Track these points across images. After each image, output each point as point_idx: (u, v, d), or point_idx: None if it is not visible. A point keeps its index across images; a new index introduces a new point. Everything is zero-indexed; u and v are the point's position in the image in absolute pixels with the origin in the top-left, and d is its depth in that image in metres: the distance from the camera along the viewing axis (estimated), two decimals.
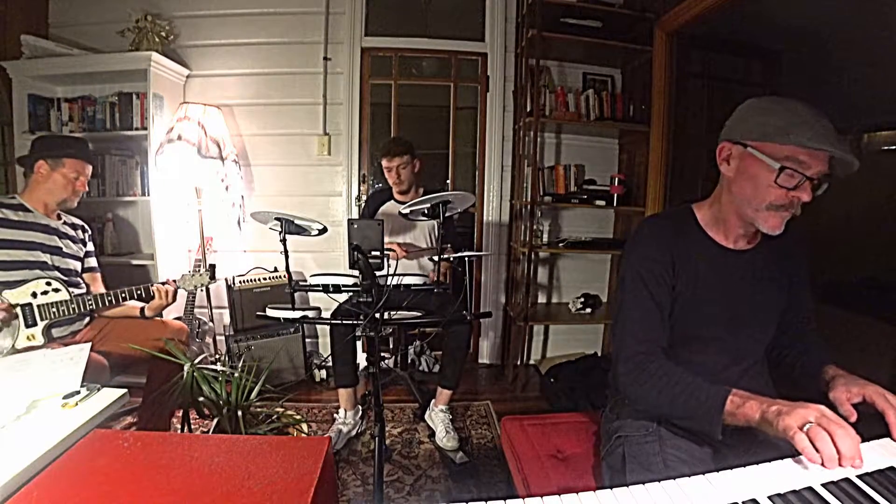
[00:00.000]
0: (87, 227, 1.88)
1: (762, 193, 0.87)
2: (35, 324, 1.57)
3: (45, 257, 1.64)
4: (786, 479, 0.65)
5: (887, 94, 2.66)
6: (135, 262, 2.52)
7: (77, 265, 1.77)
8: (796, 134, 0.81)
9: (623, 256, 1.06)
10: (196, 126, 2.42)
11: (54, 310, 1.59)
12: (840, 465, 0.64)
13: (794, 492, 0.62)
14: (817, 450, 0.64)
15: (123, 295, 1.71)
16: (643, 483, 0.65)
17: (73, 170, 1.70)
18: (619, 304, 1.02)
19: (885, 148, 2.91)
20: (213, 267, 1.92)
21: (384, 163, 2.21)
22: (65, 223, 1.77)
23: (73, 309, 1.63)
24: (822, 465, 0.64)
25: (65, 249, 1.72)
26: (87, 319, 1.78)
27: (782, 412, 0.70)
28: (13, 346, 1.53)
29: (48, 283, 1.60)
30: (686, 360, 0.96)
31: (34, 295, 1.57)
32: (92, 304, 1.67)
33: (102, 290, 1.87)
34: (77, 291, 1.70)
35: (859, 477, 0.64)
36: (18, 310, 1.54)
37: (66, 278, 1.67)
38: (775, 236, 1.02)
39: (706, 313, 0.98)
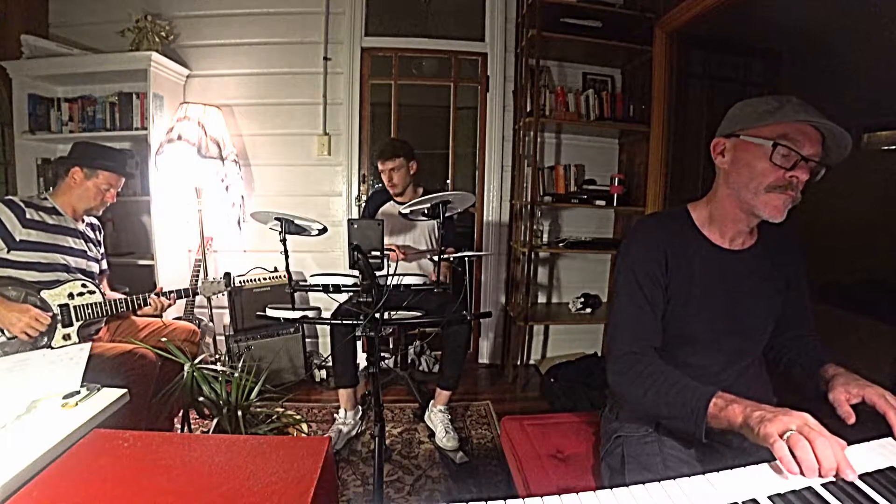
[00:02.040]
0: (100, 226, 1.92)
1: (759, 176, 0.89)
2: (71, 323, 1.62)
3: (73, 261, 1.69)
4: (786, 479, 0.65)
5: (887, 94, 2.66)
6: (135, 262, 2.52)
7: (97, 267, 1.82)
8: (784, 112, 0.85)
9: (618, 257, 1.06)
10: (196, 126, 2.42)
11: (89, 311, 1.65)
12: (820, 475, 0.62)
13: (793, 492, 0.62)
14: (797, 458, 0.63)
15: (138, 301, 1.78)
16: (643, 483, 0.65)
17: (106, 182, 1.74)
18: (613, 303, 1.02)
19: (885, 148, 2.90)
20: (227, 275, 1.97)
21: (378, 165, 2.24)
22: (87, 225, 1.82)
23: (107, 311, 1.69)
24: (802, 474, 0.63)
25: (89, 253, 1.77)
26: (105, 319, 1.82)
27: (765, 419, 0.69)
28: (50, 344, 1.57)
29: (83, 286, 1.66)
30: (682, 361, 0.96)
31: (71, 296, 1.62)
32: (123, 307, 1.73)
33: (108, 290, 1.91)
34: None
35: (859, 477, 0.64)
36: (57, 309, 1.59)
37: (91, 280, 1.71)
38: (771, 236, 1.02)
39: (702, 313, 0.98)
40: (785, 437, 0.65)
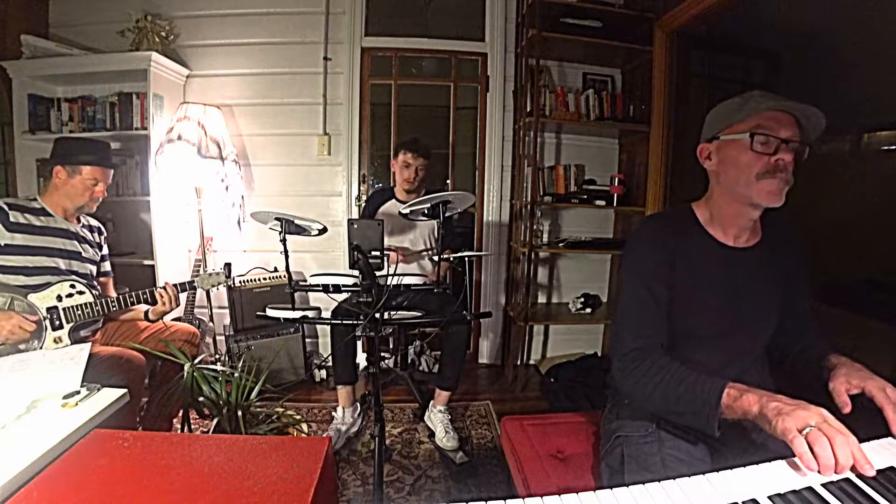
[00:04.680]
0: (102, 228, 1.88)
1: (746, 168, 0.91)
2: (62, 326, 1.58)
3: (65, 263, 1.64)
4: (786, 479, 0.65)
5: (887, 95, 2.66)
6: (135, 262, 2.52)
7: (94, 269, 1.77)
8: (750, 105, 0.91)
9: (623, 255, 1.06)
10: (196, 126, 2.42)
11: (79, 312, 1.60)
12: (836, 472, 0.63)
13: (794, 492, 0.62)
14: (815, 455, 0.63)
15: (145, 296, 1.73)
16: (642, 483, 0.65)
17: (91, 177, 1.67)
18: (619, 301, 1.02)
19: (885, 148, 2.90)
20: (228, 265, 1.93)
21: (408, 159, 2.15)
22: (83, 226, 1.77)
23: (98, 311, 1.64)
24: (819, 471, 0.63)
25: (83, 254, 1.72)
26: (102, 321, 1.78)
27: (782, 412, 0.68)
28: (40, 348, 1.53)
29: (72, 286, 1.61)
30: (686, 358, 0.96)
31: (59, 298, 1.58)
32: (115, 306, 1.68)
33: (114, 294, 1.87)
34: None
35: (859, 477, 0.64)
36: (45, 312, 1.55)
37: (84, 282, 1.67)
38: (775, 232, 1.03)
39: (706, 310, 0.98)
40: (804, 432, 0.65)
